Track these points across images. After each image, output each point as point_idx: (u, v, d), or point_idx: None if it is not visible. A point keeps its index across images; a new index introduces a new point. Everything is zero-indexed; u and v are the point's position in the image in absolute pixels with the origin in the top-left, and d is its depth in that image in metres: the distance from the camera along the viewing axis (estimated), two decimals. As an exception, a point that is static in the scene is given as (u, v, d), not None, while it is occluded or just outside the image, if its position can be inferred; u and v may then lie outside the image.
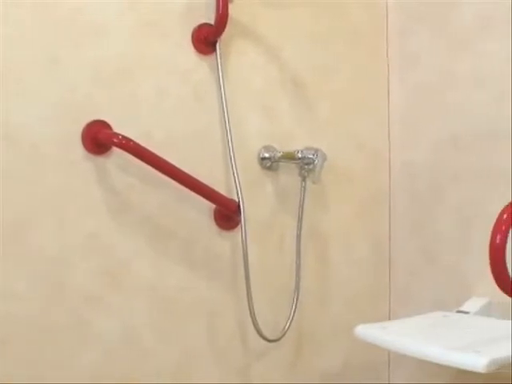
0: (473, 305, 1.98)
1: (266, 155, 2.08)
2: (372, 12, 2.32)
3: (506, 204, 1.44)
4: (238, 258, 1.99)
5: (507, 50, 1.96)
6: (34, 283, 1.68)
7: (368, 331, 1.79)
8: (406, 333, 1.78)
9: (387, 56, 2.35)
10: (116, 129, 1.79)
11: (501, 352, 1.51)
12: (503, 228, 1.39)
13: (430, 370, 2.13)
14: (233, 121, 1.97)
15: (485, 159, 2.03)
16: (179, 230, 1.92)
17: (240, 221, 1.96)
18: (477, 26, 2.05)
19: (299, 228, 2.10)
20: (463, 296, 2.04)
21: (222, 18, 1.92)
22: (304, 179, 2.09)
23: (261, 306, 2.01)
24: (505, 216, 1.41)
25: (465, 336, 1.71)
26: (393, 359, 2.34)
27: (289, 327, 2.05)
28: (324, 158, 2.03)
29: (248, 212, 1.97)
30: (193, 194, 1.86)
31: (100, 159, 1.78)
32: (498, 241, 1.38)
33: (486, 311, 1.96)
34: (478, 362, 1.46)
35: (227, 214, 1.98)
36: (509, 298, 1.43)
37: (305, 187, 2.10)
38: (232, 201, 1.96)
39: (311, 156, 2.02)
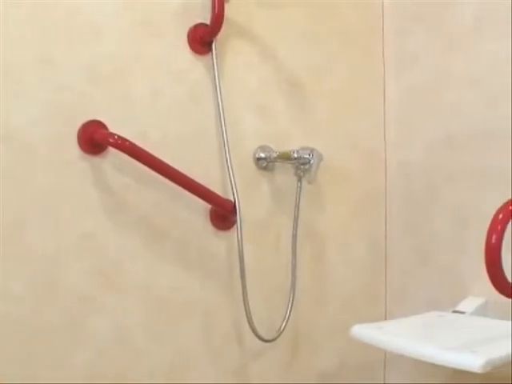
0: (469, 305, 1.98)
1: (262, 155, 2.08)
2: (367, 12, 2.32)
3: (502, 204, 1.44)
4: (234, 258, 1.99)
5: (502, 50, 1.96)
6: (27, 283, 1.68)
7: (364, 331, 1.79)
8: (402, 333, 1.78)
9: (383, 56, 2.35)
10: (112, 129, 1.79)
11: (497, 352, 1.51)
12: (499, 228, 1.39)
13: (425, 370, 2.13)
14: (229, 121, 1.97)
15: (480, 159, 2.03)
16: (175, 230, 1.92)
17: (236, 221, 1.96)
18: (472, 27, 2.05)
19: (295, 228, 2.10)
20: (459, 296, 2.04)
21: (218, 18, 1.91)
22: (300, 179, 2.09)
23: (257, 305, 2.00)
24: (500, 216, 1.41)
25: (461, 336, 1.71)
26: (389, 359, 2.34)
27: (285, 327, 2.05)
28: (320, 158, 2.03)
29: (244, 212, 1.97)
30: (188, 194, 1.86)
31: (96, 159, 1.78)
32: (493, 240, 1.39)
33: (482, 311, 1.96)
34: (474, 362, 1.46)
35: (223, 214, 1.98)
36: (505, 298, 1.43)
37: (301, 187, 2.10)
38: (228, 201, 1.96)
39: (307, 156, 2.02)
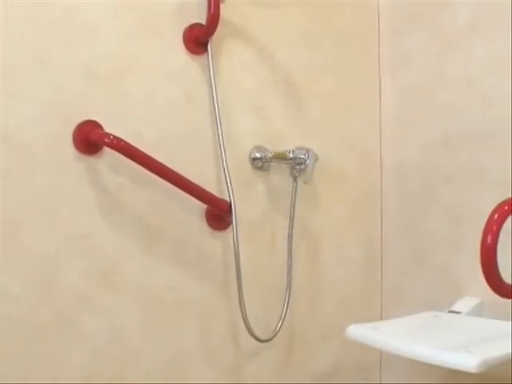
0: (464, 305, 1.98)
1: (258, 155, 2.08)
2: (363, 12, 2.33)
3: (497, 204, 1.44)
4: (230, 258, 1.99)
5: (498, 50, 1.96)
6: (24, 283, 1.68)
7: (359, 331, 1.79)
8: (398, 333, 1.78)
9: (378, 56, 2.35)
10: (107, 129, 1.79)
11: (492, 352, 1.51)
12: (494, 228, 1.39)
13: (421, 370, 2.14)
14: (224, 121, 1.97)
15: (476, 159, 2.03)
16: (170, 230, 1.92)
17: (231, 221, 1.96)
18: (468, 27, 2.06)
19: (291, 228, 2.10)
20: (455, 296, 2.04)
21: (214, 18, 1.91)
22: (295, 179, 2.09)
23: (252, 306, 2.00)
24: (496, 216, 1.41)
25: (456, 336, 1.71)
26: (384, 359, 2.34)
27: (280, 327, 2.05)
28: (315, 158, 2.03)
29: (239, 212, 1.97)
30: (184, 194, 1.86)
31: (91, 159, 1.78)
32: (489, 241, 1.39)
33: (478, 311, 1.96)
34: (469, 362, 1.46)
35: (219, 214, 1.98)
36: (500, 298, 1.43)
37: (296, 187, 2.10)
38: (223, 201, 1.95)
39: (303, 156, 2.02)
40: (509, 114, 1.92)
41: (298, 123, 2.17)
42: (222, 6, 1.92)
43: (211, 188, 1.94)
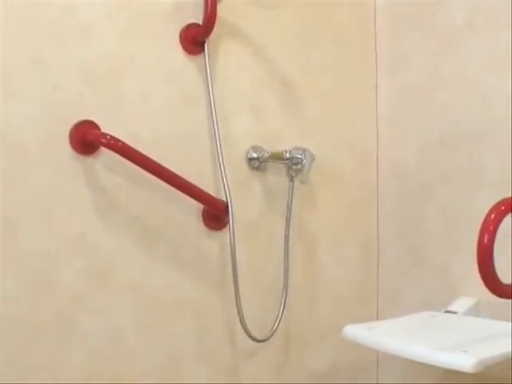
0: (461, 305, 1.98)
1: (254, 155, 2.07)
2: (360, 12, 2.33)
3: (494, 204, 1.45)
4: (226, 258, 1.99)
5: (495, 50, 1.96)
6: (21, 283, 1.68)
7: (356, 331, 1.79)
8: (394, 333, 1.78)
9: (375, 56, 2.35)
10: (104, 129, 1.79)
11: (489, 352, 1.51)
12: (491, 228, 1.40)
13: (418, 370, 2.14)
14: (221, 121, 1.97)
15: (473, 159, 2.03)
16: (167, 230, 1.92)
17: (228, 221, 1.96)
18: (465, 26, 2.05)
19: (287, 228, 2.10)
20: (451, 296, 2.04)
21: (211, 18, 1.91)
22: (292, 179, 2.09)
23: (249, 306, 2.00)
24: (492, 216, 1.41)
25: (453, 336, 1.71)
26: (381, 359, 2.34)
27: (277, 327, 2.05)
28: (312, 158, 2.03)
29: (236, 212, 1.97)
30: (181, 194, 1.86)
31: (88, 159, 1.78)
32: (485, 241, 1.39)
33: (474, 311, 1.96)
34: (465, 362, 1.46)
35: (215, 214, 1.98)
36: (497, 298, 1.43)
37: (293, 187, 2.10)
38: (220, 201, 1.95)
39: (299, 156, 2.02)
40: (507, 113, 1.92)
41: (294, 123, 2.17)
42: (218, 6, 1.92)
43: (208, 188, 1.94)
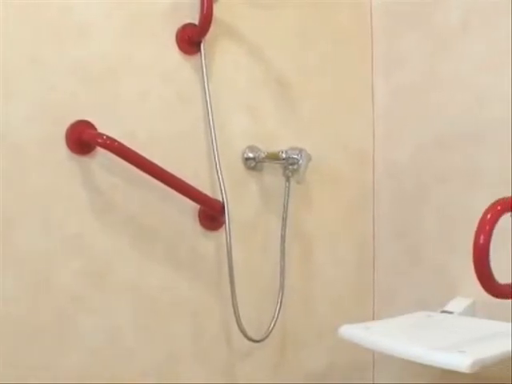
0: (457, 305, 1.99)
1: (251, 155, 2.07)
2: (357, 12, 2.33)
3: (490, 204, 1.45)
4: (223, 259, 1.99)
5: (491, 50, 1.96)
6: (19, 283, 1.68)
7: (352, 331, 1.79)
8: (391, 333, 1.78)
9: (372, 56, 2.35)
10: (100, 129, 1.78)
11: (485, 352, 1.51)
12: (487, 228, 1.40)
13: (414, 371, 2.14)
14: (217, 121, 1.97)
15: (469, 159, 2.03)
16: (163, 231, 1.92)
17: (224, 221, 1.96)
18: (461, 27, 2.06)
19: (283, 228, 2.10)
20: (447, 296, 2.04)
21: (207, 18, 1.91)
22: (288, 179, 2.09)
23: (245, 306, 2.00)
24: (488, 216, 1.41)
25: (449, 336, 1.71)
26: (377, 359, 2.34)
27: (273, 327, 2.05)
28: (308, 158, 2.03)
29: (232, 212, 1.97)
30: (177, 194, 1.86)
31: (84, 159, 1.78)
32: (481, 241, 1.39)
33: (471, 311, 1.96)
34: (462, 362, 1.46)
35: (211, 215, 1.98)
36: (493, 299, 1.43)
37: (289, 187, 2.10)
38: (216, 201, 1.95)
39: (295, 156, 2.02)
40: (502, 114, 1.92)
41: (291, 123, 2.17)
42: (214, 6, 1.92)
43: (204, 188, 1.94)
